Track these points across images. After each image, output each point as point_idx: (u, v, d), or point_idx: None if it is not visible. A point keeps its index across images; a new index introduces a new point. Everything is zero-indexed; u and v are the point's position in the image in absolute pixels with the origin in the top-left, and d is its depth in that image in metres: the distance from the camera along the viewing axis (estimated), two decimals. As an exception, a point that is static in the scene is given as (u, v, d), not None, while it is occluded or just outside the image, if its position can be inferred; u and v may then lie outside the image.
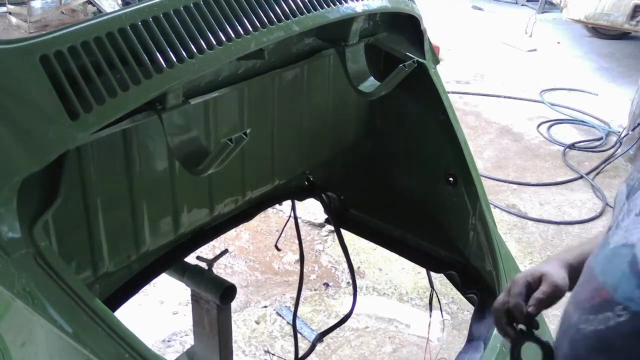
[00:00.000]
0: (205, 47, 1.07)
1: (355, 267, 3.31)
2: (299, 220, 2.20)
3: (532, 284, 1.10)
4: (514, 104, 6.09)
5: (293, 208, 2.15)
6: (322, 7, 1.30)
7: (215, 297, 1.76)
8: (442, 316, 1.79)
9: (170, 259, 1.54)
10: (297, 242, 2.24)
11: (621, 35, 8.04)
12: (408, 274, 3.43)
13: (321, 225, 3.78)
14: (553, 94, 6.32)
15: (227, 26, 1.11)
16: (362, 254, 3.56)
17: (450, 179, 1.75)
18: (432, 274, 2.00)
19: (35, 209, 0.99)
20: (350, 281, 2.36)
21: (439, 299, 1.92)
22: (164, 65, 1.01)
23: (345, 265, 2.68)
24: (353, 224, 2.08)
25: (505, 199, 4.34)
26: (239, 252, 3.60)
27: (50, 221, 1.14)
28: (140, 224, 1.38)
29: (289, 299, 3.21)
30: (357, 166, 2.01)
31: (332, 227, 2.39)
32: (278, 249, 2.66)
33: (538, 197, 4.40)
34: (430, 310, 1.95)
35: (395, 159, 1.93)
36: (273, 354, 2.85)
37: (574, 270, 1.08)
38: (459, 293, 1.81)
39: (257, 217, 1.86)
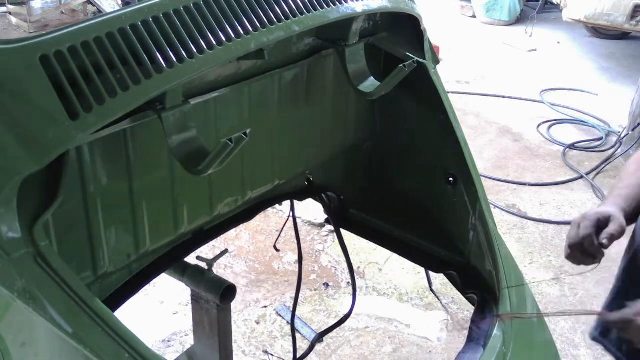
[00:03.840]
0: (205, 47, 1.07)
1: (355, 267, 3.31)
2: (299, 220, 2.20)
3: (602, 221, 1.26)
4: (514, 104, 6.09)
5: (292, 208, 2.15)
6: (322, 7, 1.30)
7: (215, 297, 1.76)
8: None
9: (170, 259, 1.54)
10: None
11: (621, 35, 8.04)
12: (408, 274, 3.43)
13: (321, 225, 3.77)
14: (553, 94, 6.32)
15: (227, 26, 1.11)
16: (362, 254, 3.56)
17: (450, 179, 1.75)
18: (432, 274, 2.00)
19: (35, 209, 0.99)
20: (350, 281, 2.36)
21: (438, 299, 1.92)
22: (164, 65, 1.01)
23: (345, 265, 2.68)
24: (353, 224, 2.08)
25: (505, 199, 4.34)
26: (239, 252, 3.60)
27: (50, 221, 1.13)
28: (140, 224, 1.38)
29: (289, 299, 3.21)
30: (357, 166, 2.01)
31: (332, 227, 2.39)
32: (277, 250, 2.66)
33: (538, 197, 4.40)
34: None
35: (395, 159, 1.93)
36: (272, 355, 2.85)
37: (628, 215, 1.31)
38: (459, 293, 1.81)
39: (257, 217, 1.86)
